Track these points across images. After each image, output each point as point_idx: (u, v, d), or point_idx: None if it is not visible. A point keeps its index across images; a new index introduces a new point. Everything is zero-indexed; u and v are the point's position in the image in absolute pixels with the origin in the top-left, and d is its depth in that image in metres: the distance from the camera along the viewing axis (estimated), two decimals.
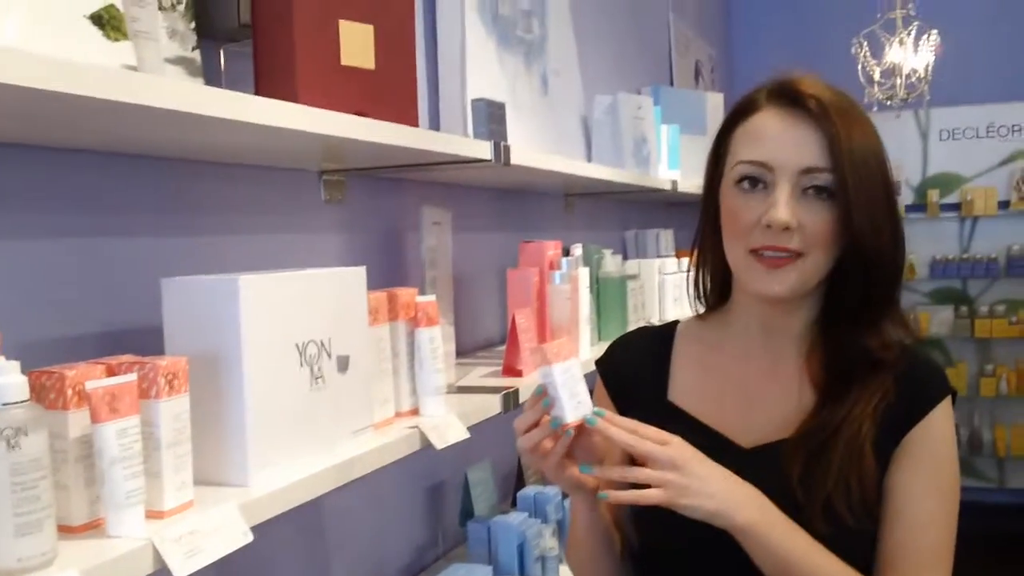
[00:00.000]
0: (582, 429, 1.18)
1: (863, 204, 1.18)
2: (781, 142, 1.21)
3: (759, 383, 1.31)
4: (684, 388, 1.36)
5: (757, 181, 1.22)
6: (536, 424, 1.18)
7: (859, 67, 5.06)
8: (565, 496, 2.37)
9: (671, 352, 1.40)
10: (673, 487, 1.13)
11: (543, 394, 1.18)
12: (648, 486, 1.14)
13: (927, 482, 1.22)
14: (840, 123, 1.19)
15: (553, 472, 1.21)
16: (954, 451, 1.26)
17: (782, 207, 1.19)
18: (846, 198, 1.18)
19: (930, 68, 5.06)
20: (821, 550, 1.16)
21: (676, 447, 1.15)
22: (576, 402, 1.17)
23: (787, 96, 1.24)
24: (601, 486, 1.21)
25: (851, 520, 1.18)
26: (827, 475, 1.19)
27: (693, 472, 1.13)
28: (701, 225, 1.36)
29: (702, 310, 1.41)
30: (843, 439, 1.20)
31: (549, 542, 2.19)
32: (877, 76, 5.06)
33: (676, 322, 1.45)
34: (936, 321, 5.90)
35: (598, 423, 1.16)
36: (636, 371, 1.39)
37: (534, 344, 2.03)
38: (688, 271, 1.41)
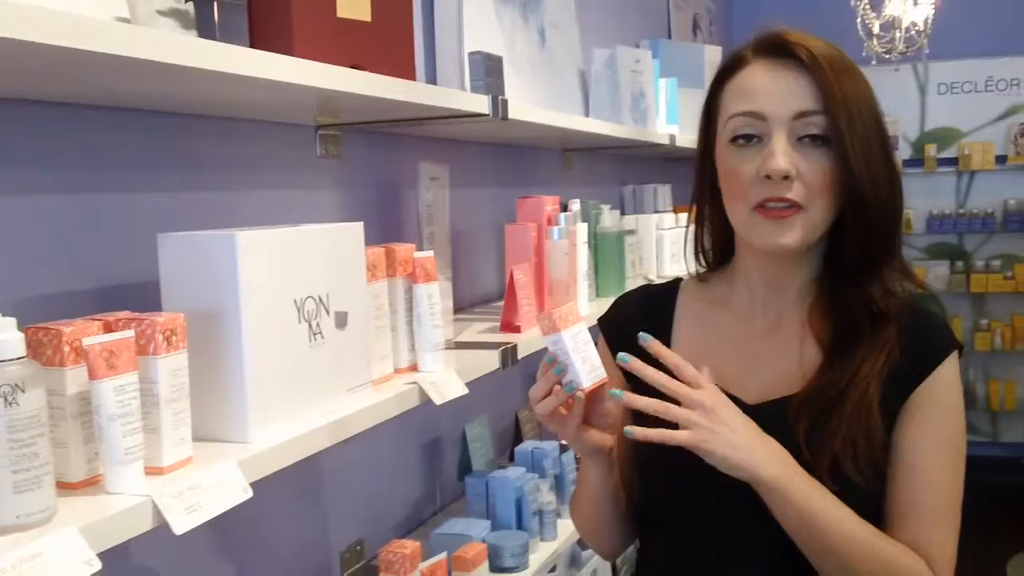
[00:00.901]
0: (594, 394, 1.18)
1: (858, 150, 1.18)
2: (772, 91, 1.21)
3: (762, 340, 1.31)
4: (687, 345, 1.35)
5: (752, 135, 1.21)
6: (550, 392, 1.19)
7: (858, 20, 5.01)
8: (563, 450, 2.39)
9: (674, 310, 1.39)
10: (701, 430, 1.13)
11: (554, 361, 1.18)
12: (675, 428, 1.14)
13: (936, 438, 1.22)
14: (830, 70, 1.19)
15: (571, 437, 1.22)
16: (961, 406, 1.26)
17: (779, 155, 1.18)
18: (840, 143, 1.18)
19: (929, 21, 5.01)
20: (839, 505, 1.17)
21: (709, 392, 1.16)
22: (589, 366, 1.17)
23: (775, 48, 1.23)
24: (625, 421, 1.21)
25: (858, 479, 1.18)
26: (835, 436, 1.19)
27: (722, 420, 1.14)
28: (697, 187, 1.35)
29: (701, 270, 1.40)
30: (851, 400, 1.20)
31: (546, 496, 2.20)
32: (876, 29, 5.01)
33: (678, 280, 1.44)
34: (932, 276, 5.90)
35: (632, 363, 1.16)
36: (639, 328, 1.39)
37: (532, 300, 2.03)
38: (687, 229, 1.40)
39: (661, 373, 1.16)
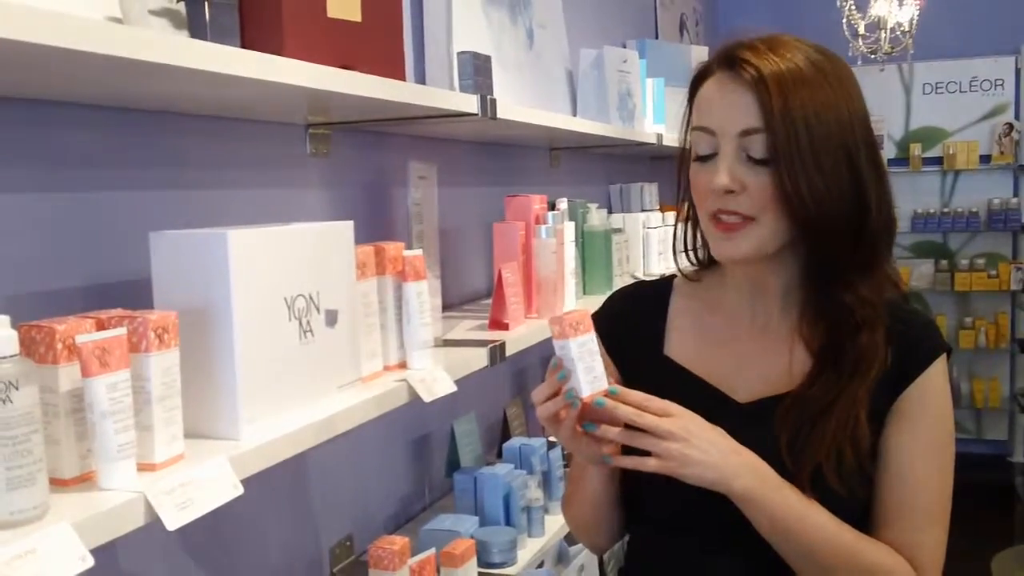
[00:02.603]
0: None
1: (799, 167, 1.16)
2: (722, 107, 1.22)
3: (753, 340, 1.32)
4: (680, 343, 1.37)
5: (708, 149, 1.23)
6: (553, 395, 1.20)
7: (844, 20, 5.04)
8: (551, 447, 2.40)
9: (668, 307, 1.40)
10: (673, 458, 1.15)
11: (559, 366, 1.19)
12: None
13: (924, 441, 1.24)
14: (775, 86, 1.17)
15: (569, 441, 1.23)
16: (949, 409, 1.27)
17: (722, 172, 1.20)
18: (777, 161, 1.17)
19: (914, 22, 5.04)
20: (819, 512, 1.19)
21: (677, 419, 1.17)
22: (592, 376, 1.17)
23: (728, 62, 1.23)
24: (605, 450, 1.22)
25: (840, 489, 1.19)
26: (819, 446, 1.20)
27: (693, 444, 1.15)
28: (682, 188, 1.35)
29: (688, 268, 1.42)
30: (838, 412, 1.20)
31: (534, 493, 2.22)
32: (862, 30, 5.04)
33: (672, 277, 1.45)
34: (916, 274, 5.95)
35: (607, 404, 1.17)
36: (632, 325, 1.40)
37: (520, 298, 2.04)
38: (675, 228, 1.41)
39: (630, 409, 1.17)
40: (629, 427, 1.18)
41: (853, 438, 1.20)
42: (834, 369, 1.23)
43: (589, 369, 1.17)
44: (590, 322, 1.20)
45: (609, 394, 1.18)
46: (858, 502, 1.23)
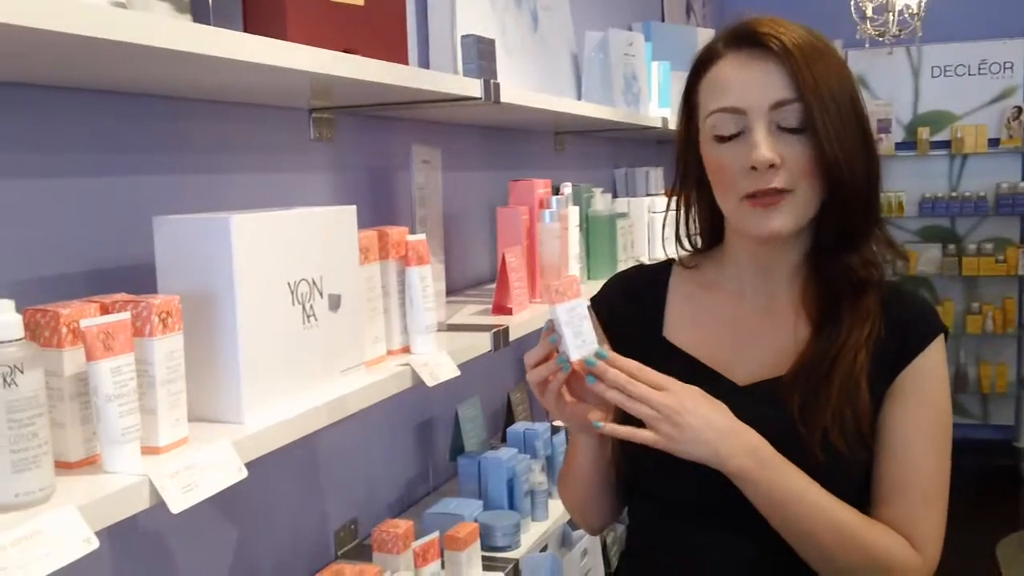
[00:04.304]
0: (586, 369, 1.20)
1: (833, 134, 1.19)
2: (747, 83, 1.22)
3: (754, 321, 1.32)
4: (679, 326, 1.37)
5: (733, 128, 1.23)
6: (545, 359, 1.21)
7: (852, 3, 5.02)
8: (555, 432, 2.41)
9: (666, 290, 1.41)
10: (666, 433, 1.16)
11: (551, 330, 1.20)
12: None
13: (921, 421, 1.25)
14: (802, 57, 1.20)
15: (554, 408, 1.24)
16: (947, 389, 1.28)
17: (762, 147, 1.20)
18: (815, 130, 1.19)
19: (923, 4, 5.01)
20: (817, 491, 1.19)
21: (673, 394, 1.17)
22: (580, 341, 1.18)
23: (746, 39, 1.24)
24: (594, 415, 1.23)
25: (846, 451, 1.20)
26: (825, 409, 1.21)
27: (687, 420, 1.15)
28: (681, 176, 1.37)
29: (684, 254, 1.42)
30: (839, 371, 1.22)
31: (538, 477, 2.22)
32: (870, 12, 5.02)
33: (671, 260, 1.45)
34: (924, 259, 5.93)
35: (598, 364, 1.18)
36: (631, 308, 1.41)
37: (524, 283, 2.04)
38: (665, 215, 1.42)
39: (622, 376, 1.17)
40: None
41: (854, 400, 1.22)
42: (831, 330, 1.25)
43: (577, 333, 1.19)
44: (579, 288, 1.21)
45: (599, 357, 1.18)
46: (865, 466, 1.25)
